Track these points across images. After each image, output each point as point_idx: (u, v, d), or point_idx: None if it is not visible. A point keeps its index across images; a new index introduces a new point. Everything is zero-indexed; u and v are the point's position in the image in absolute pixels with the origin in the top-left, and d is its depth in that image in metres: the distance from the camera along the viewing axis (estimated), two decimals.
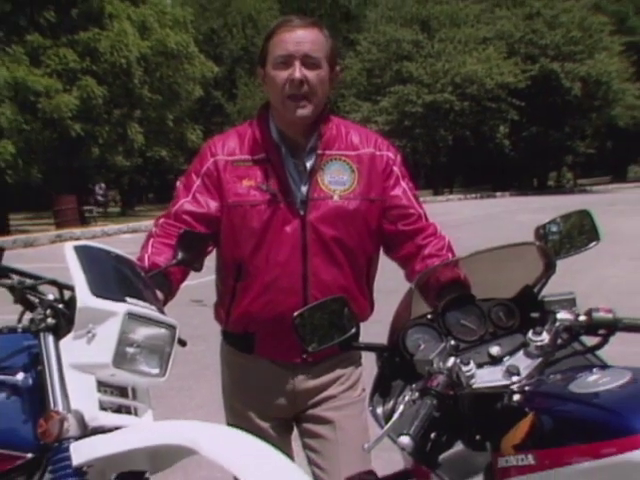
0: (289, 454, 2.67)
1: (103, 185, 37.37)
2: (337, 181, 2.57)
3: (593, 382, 1.84)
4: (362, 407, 2.65)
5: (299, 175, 2.58)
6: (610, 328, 2.05)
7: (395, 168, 2.65)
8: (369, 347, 2.28)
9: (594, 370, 1.94)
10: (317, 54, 2.49)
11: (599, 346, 2.09)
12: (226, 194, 2.57)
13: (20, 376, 2.02)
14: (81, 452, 1.85)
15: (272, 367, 2.65)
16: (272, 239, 2.54)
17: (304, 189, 2.56)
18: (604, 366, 2.04)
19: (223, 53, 41.72)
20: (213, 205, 2.58)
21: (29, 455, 1.96)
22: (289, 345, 2.51)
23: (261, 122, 2.63)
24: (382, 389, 2.22)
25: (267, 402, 2.68)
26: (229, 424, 2.69)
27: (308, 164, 2.57)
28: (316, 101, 2.52)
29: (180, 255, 2.40)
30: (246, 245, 2.56)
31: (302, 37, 2.48)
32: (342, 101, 44.21)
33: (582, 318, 2.05)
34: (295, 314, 2.22)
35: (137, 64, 27.29)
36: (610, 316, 2.05)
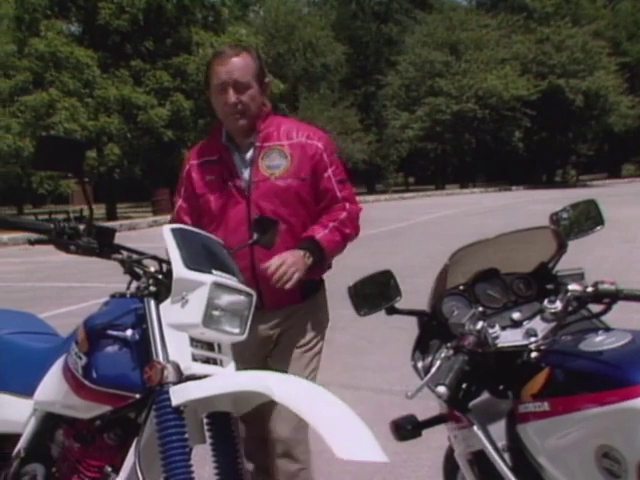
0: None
1: None
2: (274, 165, 2.65)
3: (599, 342, 1.81)
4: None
5: (244, 165, 2.67)
6: (613, 297, 2.01)
7: (324, 156, 2.69)
8: (412, 312, 2.26)
9: (599, 332, 1.91)
10: (245, 78, 2.60)
11: (603, 312, 2.05)
12: (194, 188, 2.73)
13: (129, 332, 2.04)
14: (178, 395, 1.86)
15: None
16: (227, 218, 2.66)
17: (247, 175, 2.65)
18: (608, 329, 2.01)
19: (287, 73, 41.65)
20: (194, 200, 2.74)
21: (137, 395, 1.98)
22: None
23: (216, 130, 2.76)
24: (422, 347, 2.21)
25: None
26: None
27: (248, 155, 2.67)
28: (250, 113, 2.63)
29: (256, 236, 2.43)
30: (210, 226, 2.64)
31: (232, 66, 2.60)
32: (385, 111, 43.97)
33: (589, 289, 2.01)
34: (349, 285, 2.22)
35: None
36: (613, 287, 2.00)
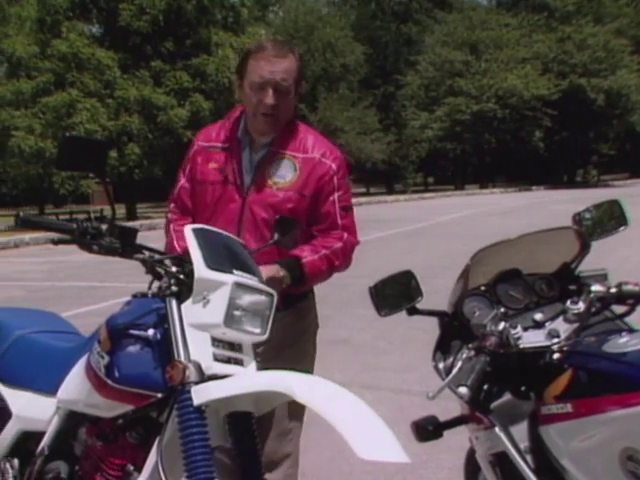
0: None
1: None
2: (280, 175, 2.55)
3: (623, 343, 1.79)
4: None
5: (251, 165, 2.58)
6: (637, 298, 1.99)
7: (335, 179, 2.57)
8: (432, 313, 2.25)
9: (623, 334, 1.90)
10: (287, 82, 2.49)
11: (627, 313, 2.03)
12: (196, 172, 2.63)
13: (151, 332, 2.04)
14: (200, 394, 1.87)
15: None
16: (219, 213, 2.56)
17: (251, 175, 2.56)
18: (632, 330, 1.99)
19: (307, 73, 41.62)
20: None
21: (159, 395, 1.99)
22: None
23: (234, 118, 2.65)
24: (443, 348, 2.19)
25: None
26: None
27: (257, 157, 2.57)
28: (282, 116, 2.53)
29: (276, 237, 2.41)
30: (202, 216, 2.56)
31: (278, 67, 2.46)
32: (404, 110, 43.91)
33: (613, 290, 2.00)
34: (370, 285, 2.21)
35: None
36: (637, 288, 1.99)
